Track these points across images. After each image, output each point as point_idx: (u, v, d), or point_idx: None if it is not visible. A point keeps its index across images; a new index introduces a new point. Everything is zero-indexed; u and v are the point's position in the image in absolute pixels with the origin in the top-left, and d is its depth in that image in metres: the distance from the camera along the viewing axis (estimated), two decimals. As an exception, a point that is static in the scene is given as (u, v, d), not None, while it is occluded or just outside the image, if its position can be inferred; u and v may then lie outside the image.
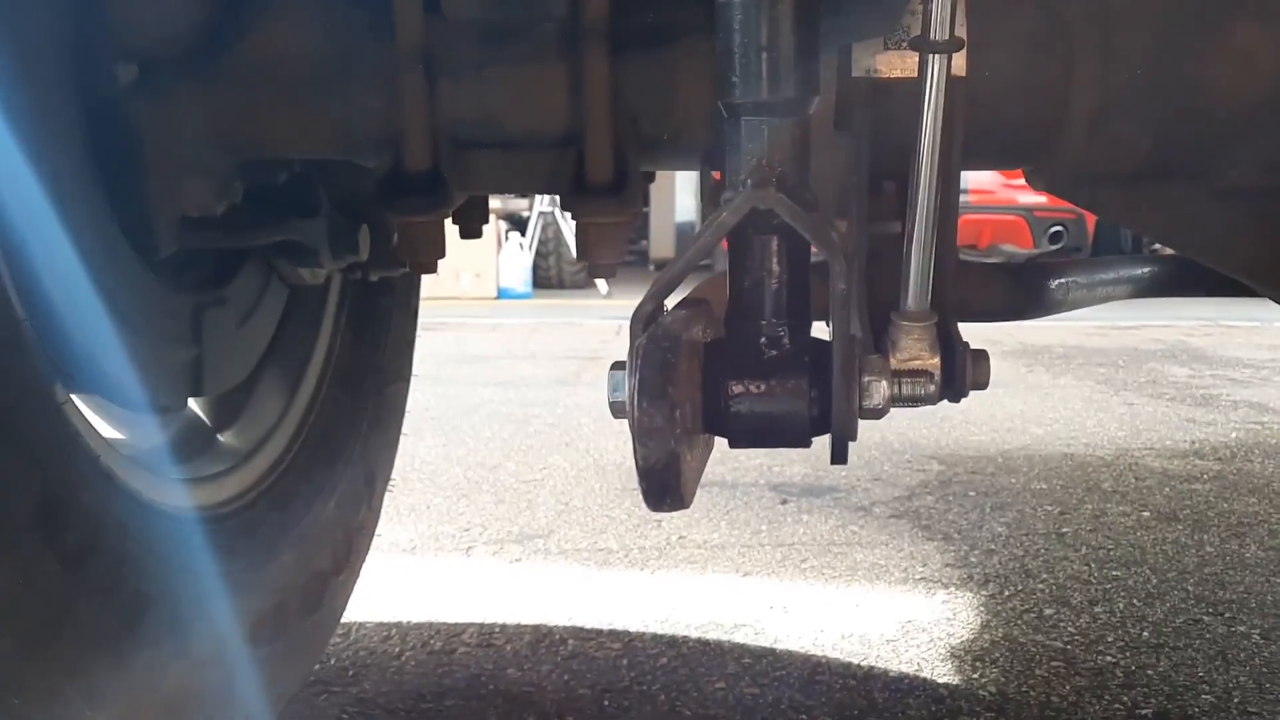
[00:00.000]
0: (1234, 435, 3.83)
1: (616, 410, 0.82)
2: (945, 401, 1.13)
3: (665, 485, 0.73)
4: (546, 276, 11.67)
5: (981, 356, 1.15)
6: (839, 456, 0.86)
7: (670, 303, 0.93)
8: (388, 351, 1.85)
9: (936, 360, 1.11)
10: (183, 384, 1.33)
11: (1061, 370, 5.46)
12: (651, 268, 13.27)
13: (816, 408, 0.86)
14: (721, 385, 0.85)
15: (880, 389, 0.89)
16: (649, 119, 1.25)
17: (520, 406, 4.44)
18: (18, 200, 1.01)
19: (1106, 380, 5.14)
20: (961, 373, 1.13)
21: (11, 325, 0.91)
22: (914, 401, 1.00)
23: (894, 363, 1.09)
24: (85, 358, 1.13)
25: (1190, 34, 1.21)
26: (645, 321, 0.81)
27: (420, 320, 1.99)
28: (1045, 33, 1.22)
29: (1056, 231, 10.93)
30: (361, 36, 1.22)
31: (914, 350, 1.12)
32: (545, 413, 4.29)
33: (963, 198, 1.18)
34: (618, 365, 0.84)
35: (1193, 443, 3.70)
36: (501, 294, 10.52)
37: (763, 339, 0.88)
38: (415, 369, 1.95)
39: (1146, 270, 1.65)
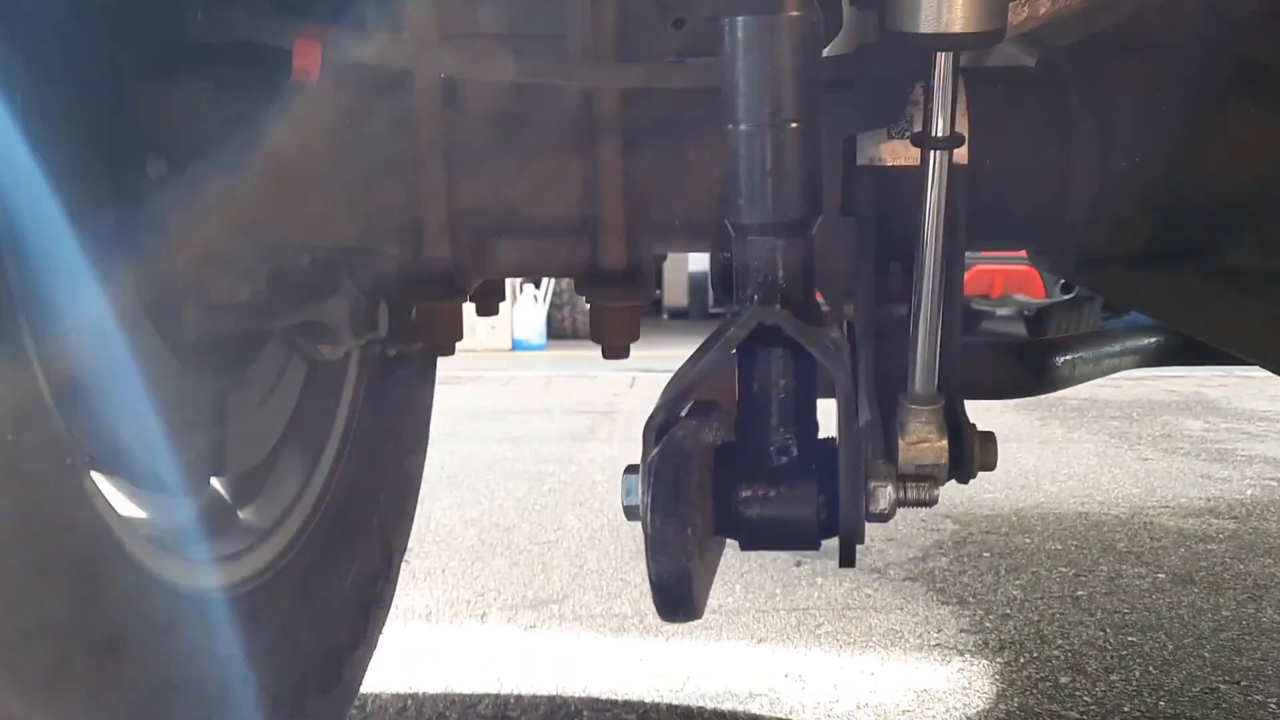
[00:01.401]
0: (1249, 492, 3.81)
1: (630, 514, 0.84)
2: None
3: (678, 600, 0.75)
4: (561, 326, 11.75)
5: (989, 439, 1.17)
6: (846, 560, 0.89)
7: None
8: (406, 422, 1.88)
9: (944, 443, 1.13)
10: (206, 464, 1.36)
11: (1076, 423, 5.45)
12: (665, 316, 13.32)
13: (824, 512, 0.88)
14: (732, 490, 0.87)
15: (886, 494, 0.91)
16: (660, 206, 1.29)
17: (534, 463, 4.46)
18: (50, 291, 1.05)
19: (1121, 434, 5.13)
20: (969, 455, 1.15)
21: (41, 412, 0.93)
22: (920, 504, 1.02)
23: (902, 446, 1.11)
24: (111, 441, 1.16)
25: (1186, 121, 1.24)
26: (658, 432, 0.84)
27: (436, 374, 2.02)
28: (1045, 121, 1.26)
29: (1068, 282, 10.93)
30: (382, 130, 1.26)
31: (922, 433, 1.14)
32: (559, 470, 4.31)
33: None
34: (631, 469, 0.86)
35: (1208, 500, 3.69)
36: (516, 345, 10.59)
37: (772, 445, 0.91)
38: (431, 425, 1.98)
39: (1152, 340, 1.67)
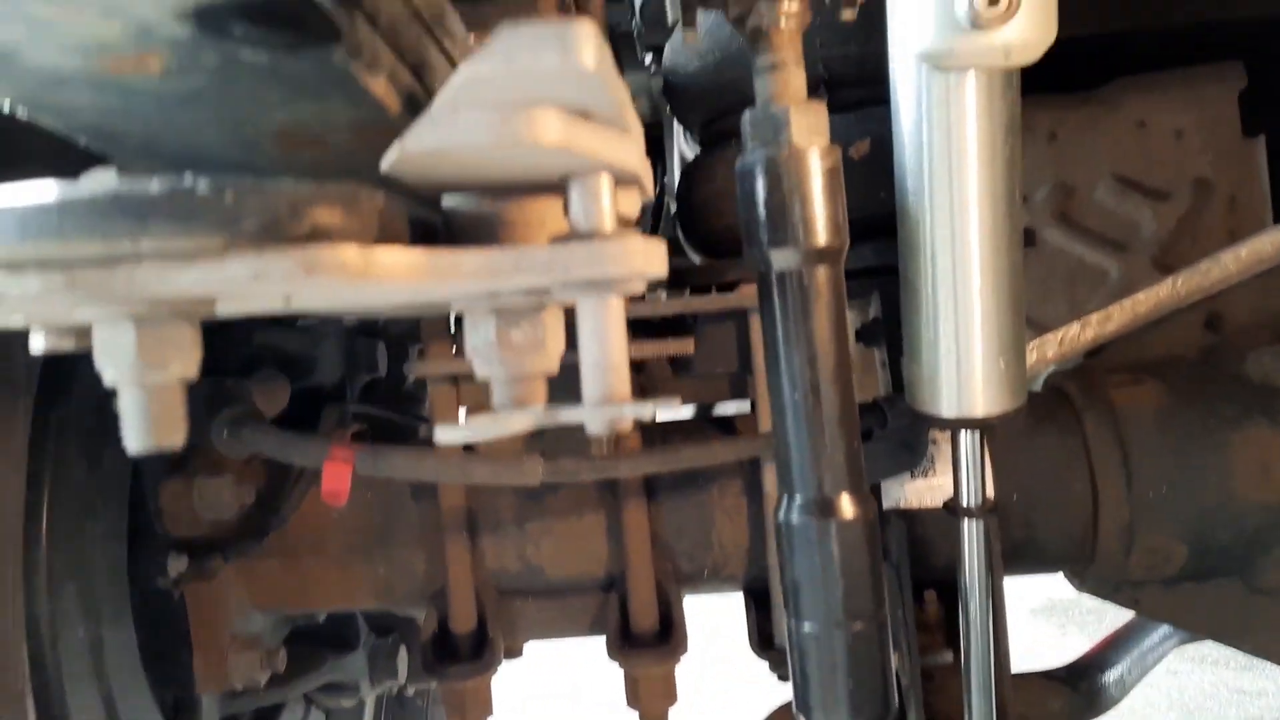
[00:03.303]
0: (1289, 707, 3.67)
1: None
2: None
3: None
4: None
5: None
6: None
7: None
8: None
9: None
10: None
11: (1096, 629, 5.29)
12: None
13: None
14: None
15: None
16: (688, 558, 1.27)
17: None
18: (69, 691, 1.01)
19: (1143, 639, 4.97)
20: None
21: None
22: None
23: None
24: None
25: (1205, 447, 1.24)
26: None
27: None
28: (1065, 451, 1.26)
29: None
30: (403, 501, 1.26)
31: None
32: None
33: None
34: None
35: (1247, 720, 3.54)
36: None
37: None
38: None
39: (1188, 624, 1.63)
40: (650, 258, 0.47)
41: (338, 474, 0.98)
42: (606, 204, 0.48)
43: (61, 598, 1.02)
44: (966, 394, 1.01)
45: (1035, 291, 1.60)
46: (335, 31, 0.43)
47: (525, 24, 0.40)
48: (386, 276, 0.44)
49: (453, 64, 0.62)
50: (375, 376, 1.50)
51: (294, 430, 1.07)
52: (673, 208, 2.66)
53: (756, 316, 1.22)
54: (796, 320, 0.67)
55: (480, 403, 1.18)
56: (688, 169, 1.37)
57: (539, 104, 0.41)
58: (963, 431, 1.05)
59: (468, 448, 1.09)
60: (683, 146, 2.12)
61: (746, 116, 0.68)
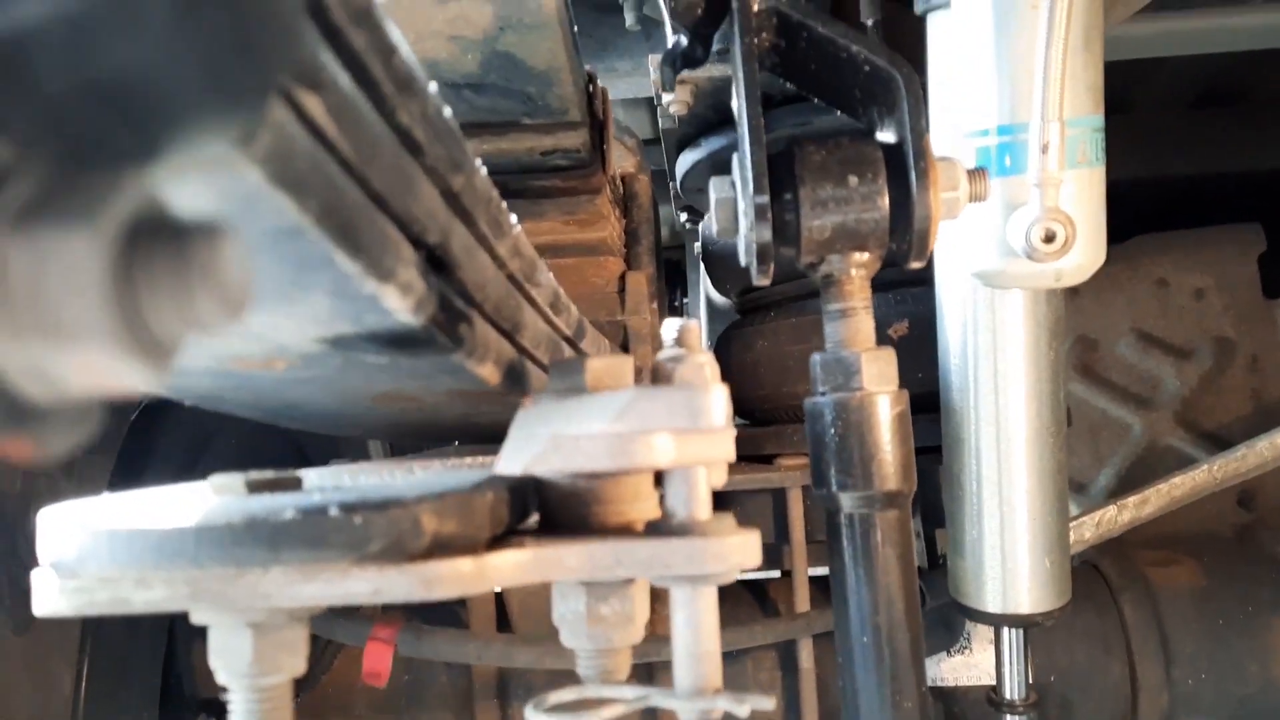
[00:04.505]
0: None
1: None
2: None
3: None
4: None
5: None
6: None
7: None
8: None
9: None
10: None
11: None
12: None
13: None
14: None
15: None
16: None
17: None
18: None
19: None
20: None
21: None
22: None
23: None
24: None
25: (1244, 632, 1.24)
26: None
27: None
28: (1105, 636, 1.25)
29: None
30: (433, 664, 1.25)
31: None
32: None
33: None
34: None
35: None
36: None
37: None
38: None
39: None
40: (746, 552, 0.48)
41: (379, 655, 0.98)
42: (704, 494, 0.49)
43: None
44: (1012, 591, 1.01)
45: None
46: (458, 341, 0.45)
47: (653, 390, 0.43)
48: (497, 580, 0.45)
49: (538, 310, 0.64)
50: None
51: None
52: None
53: (796, 491, 1.23)
54: (866, 563, 0.68)
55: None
56: (726, 334, 1.39)
57: (656, 432, 0.43)
58: (1006, 630, 1.05)
59: (506, 628, 1.09)
60: (709, 289, 2.15)
61: (817, 359, 0.70)
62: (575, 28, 0.84)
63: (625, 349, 1.20)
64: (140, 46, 0.18)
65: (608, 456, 0.43)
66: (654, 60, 0.96)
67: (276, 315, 0.39)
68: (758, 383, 1.32)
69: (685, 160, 1.36)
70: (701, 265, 1.62)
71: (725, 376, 1.44)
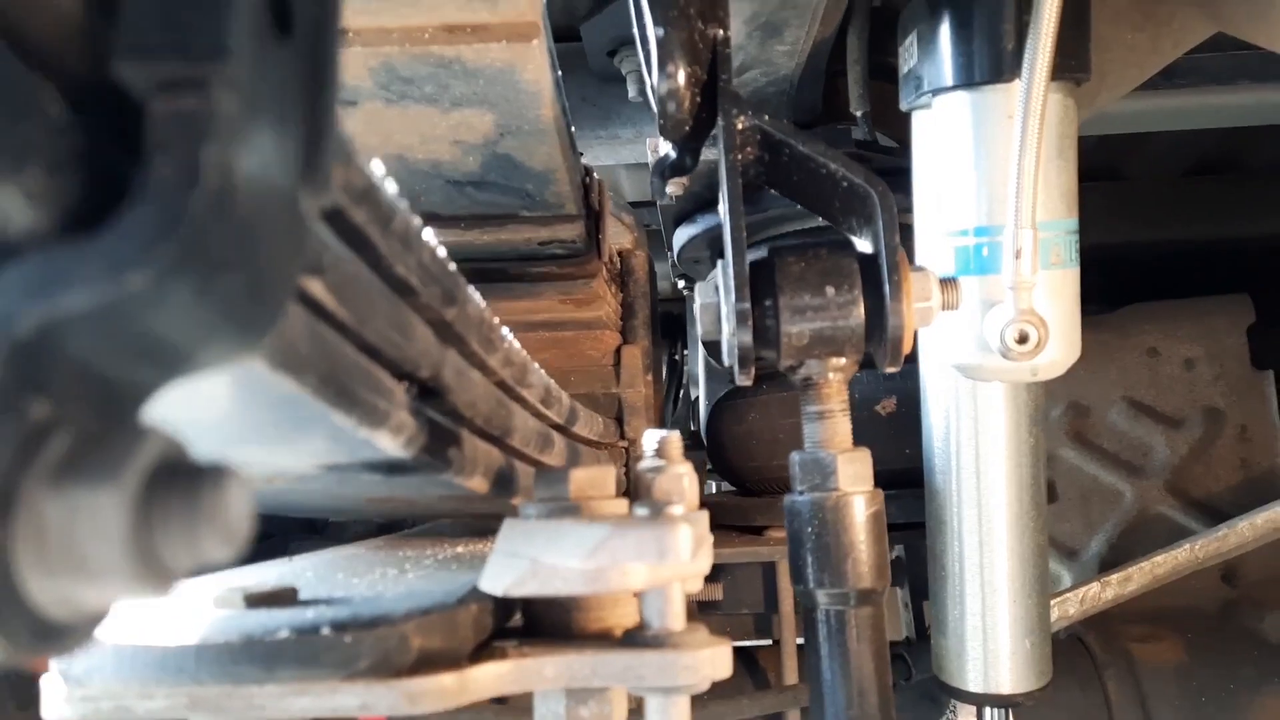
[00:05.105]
0: None
1: None
2: None
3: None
4: None
5: None
6: None
7: None
8: None
9: None
10: None
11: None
12: None
13: None
14: None
15: None
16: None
17: None
18: None
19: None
20: None
21: None
22: None
23: None
24: None
25: (1225, 708, 1.26)
26: None
27: None
28: (1089, 712, 1.27)
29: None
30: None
31: None
32: None
33: None
34: None
35: None
36: None
37: None
38: None
39: None
40: (717, 664, 0.51)
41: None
42: (678, 607, 0.52)
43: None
44: (993, 671, 1.03)
45: (1051, 509, 1.63)
46: (447, 463, 0.48)
47: (625, 529, 0.46)
48: (478, 692, 0.48)
49: (529, 409, 0.67)
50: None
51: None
52: (693, 393, 2.72)
53: (784, 564, 1.25)
54: (840, 658, 0.71)
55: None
56: (719, 404, 1.43)
57: (629, 561, 0.46)
58: (989, 710, 1.07)
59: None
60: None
61: (795, 458, 0.73)
62: (573, 129, 0.87)
63: (620, 421, 1.23)
64: (167, 320, 0.22)
65: (583, 584, 0.46)
66: (651, 144, 1.00)
67: (275, 454, 0.42)
68: (749, 454, 1.35)
69: (681, 235, 1.40)
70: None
71: (717, 446, 1.47)
